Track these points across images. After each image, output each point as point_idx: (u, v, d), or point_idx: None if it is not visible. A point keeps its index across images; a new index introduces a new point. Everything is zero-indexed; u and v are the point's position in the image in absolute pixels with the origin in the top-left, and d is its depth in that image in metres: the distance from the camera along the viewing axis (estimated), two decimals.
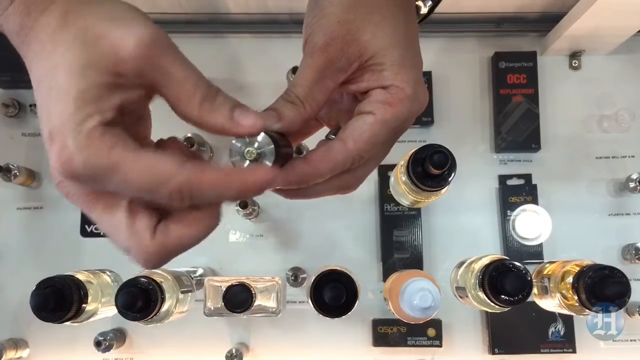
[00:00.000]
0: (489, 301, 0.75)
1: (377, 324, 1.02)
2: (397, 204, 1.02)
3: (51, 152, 0.39)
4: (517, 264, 0.74)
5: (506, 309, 0.77)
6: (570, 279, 0.75)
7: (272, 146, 0.44)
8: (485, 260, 0.77)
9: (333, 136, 0.54)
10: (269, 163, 0.44)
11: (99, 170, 0.39)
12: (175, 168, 0.40)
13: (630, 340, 1.04)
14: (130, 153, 0.40)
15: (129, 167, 0.39)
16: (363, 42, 0.48)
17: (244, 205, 0.98)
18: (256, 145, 0.44)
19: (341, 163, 0.49)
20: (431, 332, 1.01)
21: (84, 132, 0.38)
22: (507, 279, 0.72)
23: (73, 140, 0.38)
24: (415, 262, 1.03)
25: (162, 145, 0.48)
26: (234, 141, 0.44)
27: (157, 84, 0.42)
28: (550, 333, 1.01)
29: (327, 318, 0.79)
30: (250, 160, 0.44)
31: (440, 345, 1.01)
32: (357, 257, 1.06)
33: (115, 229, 0.42)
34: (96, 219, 0.43)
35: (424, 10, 0.67)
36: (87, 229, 1.06)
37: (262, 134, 0.44)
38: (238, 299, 0.79)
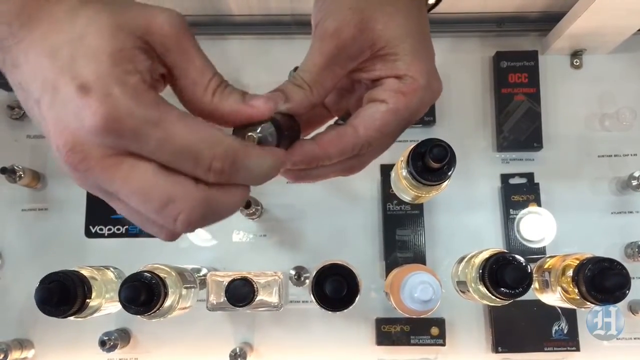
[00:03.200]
0: (489, 294, 0.75)
1: (380, 322, 1.02)
2: (400, 202, 1.03)
3: (88, 103, 0.36)
4: (517, 256, 0.75)
5: (507, 302, 0.77)
6: (570, 273, 0.75)
7: (273, 128, 0.44)
8: (485, 254, 0.78)
9: (342, 122, 0.54)
10: (273, 142, 0.44)
11: (145, 123, 0.37)
12: (221, 134, 0.40)
13: (634, 339, 1.04)
14: (177, 112, 0.39)
15: (175, 125, 0.38)
16: (376, 31, 0.48)
17: (247, 205, 0.99)
18: (258, 130, 0.44)
19: (350, 148, 0.49)
20: (434, 330, 1.01)
21: (129, 84, 0.38)
22: (507, 271, 0.72)
23: (121, 89, 0.37)
24: (417, 261, 1.03)
25: None
26: (234, 131, 0.44)
27: (175, 67, 0.42)
28: (553, 331, 1.01)
29: (330, 316, 0.80)
30: None
31: (443, 344, 1.01)
32: (360, 256, 1.06)
33: (149, 182, 0.39)
34: (121, 182, 0.39)
35: (431, 0, 0.67)
36: (92, 230, 1.07)
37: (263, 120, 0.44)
38: (240, 293, 0.80)
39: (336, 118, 0.59)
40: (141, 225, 0.43)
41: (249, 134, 0.44)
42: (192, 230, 0.41)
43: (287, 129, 0.46)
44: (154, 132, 0.38)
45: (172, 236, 0.43)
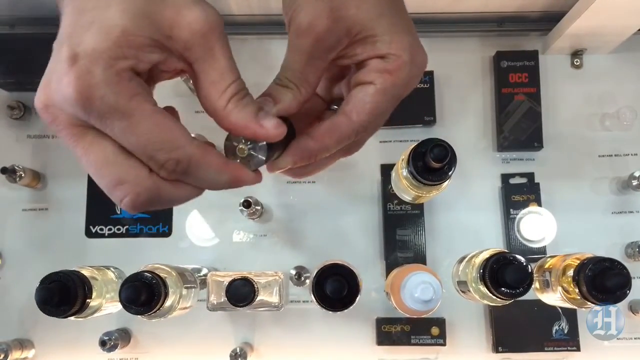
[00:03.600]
0: (490, 294, 0.75)
1: (380, 322, 1.02)
2: (400, 202, 1.03)
3: (68, 72, 0.38)
4: (518, 256, 0.74)
5: (507, 302, 0.77)
6: (571, 272, 0.75)
7: (265, 144, 0.45)
8: (485, 254, 0.78)
9: (336, 107, 0.54)
10: (262, 157, 0.46)
11: (113, 110, 0.39)
12: (184, 139, 0.41)
13: (635, 339, 1.04)
14: (149, 108, 0.40)
15: (142, 120, 0.40)
16: (349, 17, 0.47)
17: (247, 205, 0.99)
18: (249, 144, 0.45)
19: (347, 136, 0.50)
20: (435, 330, 1.01)
21: (115, 68, 0.39)
22: (507, 271, 0.72)
23: (102, 70, 0.38)
24: (418, 260, 1.03)
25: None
26: (226, 140, 0.46)
27: (198, 65, 0.43)
28: (554, 331, 1.01)
29: (331, 316, 0.79)
30: (241, 157, 0.45)
31: (444, 344, 1.01)
32: (361, 256, 1.06)
33: (106, 160, 0.41)
34: (82, 151, 0.42)
35: None
36: (92, 230, 1.07)
37: None
38: (240, 293, 0.80)
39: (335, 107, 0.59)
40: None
41: (241, 146, 0.45)
42: (137, 212, 0.43)
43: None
44: (119, 121, 0.39)
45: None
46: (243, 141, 0.45)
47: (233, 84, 0.44)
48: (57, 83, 0.39)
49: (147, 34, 0.40)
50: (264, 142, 0.45)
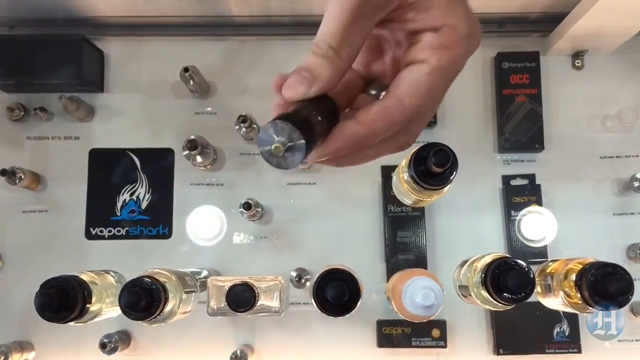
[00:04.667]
0: (491, 299, 0.74)
1: (381, 324, 1.02)
2: (401, 204, 1.02)
3: None
4: (520, 261, 0.74)
5: (509, 307, 0.77)
6: (573, 277, 0.74)
7: (303, 141, 0.39)
8: (487, 259, 0.77)
9: (374, 91, 0.50)
10: (300, 155, 0.40)
11: None
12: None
13: (636, 340, 1.04)
14: None
15: None
16: None
17: (247, 207, 0.98)
18: (285, 138, 0.39)
19: (399, 121, 0.44)
20: (436, 332, 1.01)
21: None
22: (509, 276, 0.72)
23: None
24: (419, 262, 1.03)
25: None
26: (261, 133, 0.40)
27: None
28: (555, 333, 1.01)
29: (331, 318, 0.79)
30: (277, 157, 0.41)
31: (444, 346, 1.01)
32: (361, 258, 1.06)
33: None
34: None
35: None
36: (92, 231, 1.07)
37: (289, 125, 0.39)
38: (241, 298, 0.79)
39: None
40: None
41: (275, 145, 0.39)
42: None
43: (320, 118, 0.42)
44: None
45: None
46: (275, 132, 0.39)
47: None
48: None
49: None
50: (302, 141, 0.39)
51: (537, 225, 1.03)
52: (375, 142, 0.45)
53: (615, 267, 0.71)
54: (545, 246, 1.04)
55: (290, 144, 0.39)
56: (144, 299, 0.74)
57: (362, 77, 0.51)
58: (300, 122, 0.39)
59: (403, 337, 1.02)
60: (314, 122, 0.41)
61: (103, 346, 0.99)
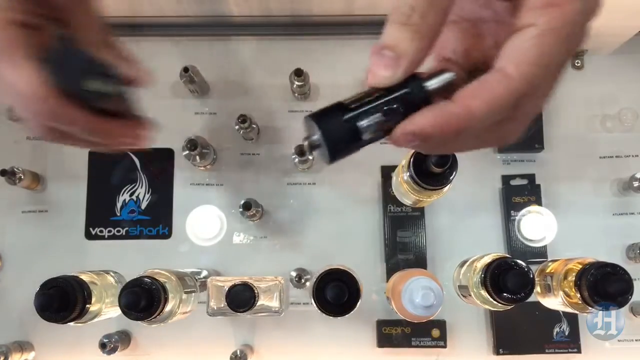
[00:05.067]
0: (491, 299, 0.75)
1: (381, 324, 1.02)
2: (401, 204, 1.02)
3: None
4: (519, 261, 0.74)
5: (509, 307, 0.77)
6: (573, 277, 0.74)
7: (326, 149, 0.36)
8: (487, 259, 0.77)
9: None
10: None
11: None
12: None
13: (636, 340, 1.04)
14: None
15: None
16: None
17: (247, 207, 0.98)
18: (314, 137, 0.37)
19: (501, 98, 0.36)
20: (435, 332, 1.01)
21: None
22: (509, 276, 0.72)
23: None
24: (419, 262, 1.03)
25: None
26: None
27: None
28: (555, 333, 1.01)
29: (331, 318, 0.79)
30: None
31: (444, 346, 1.01)
32: (361, 258, 1.05)
33: None
34: None
35: None
36: (92, 231, 1.07)
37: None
38: (241, 298, 0.79)
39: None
40: None
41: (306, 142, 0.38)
42: None
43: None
44: None
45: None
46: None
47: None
48: None
49: None
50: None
51: (536, 225, 1.03)
52: (474, 125, 0.37)
53: (615, 267, 0.71)
54: (545, 246, 1.04)
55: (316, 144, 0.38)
56: (143, 299, 0.74)
57: (463, 69, 0.43)
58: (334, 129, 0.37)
59: (403, 337, 1.02)
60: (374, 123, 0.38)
61: (103, 346, 0.98)
